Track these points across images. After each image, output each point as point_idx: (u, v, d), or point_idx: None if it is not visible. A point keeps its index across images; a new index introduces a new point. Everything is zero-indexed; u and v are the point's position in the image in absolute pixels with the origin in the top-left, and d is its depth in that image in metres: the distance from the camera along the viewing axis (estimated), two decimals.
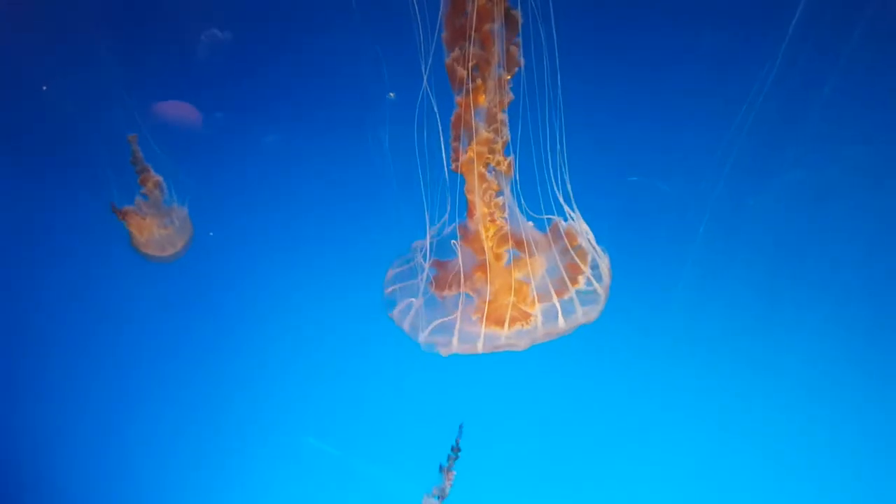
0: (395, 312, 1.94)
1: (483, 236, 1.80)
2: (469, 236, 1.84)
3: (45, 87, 3.74)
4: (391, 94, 3.17)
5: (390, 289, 1.93)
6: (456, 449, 3.15)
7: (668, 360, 4.13)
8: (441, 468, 3.16)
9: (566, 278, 1.85)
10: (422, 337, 1.85)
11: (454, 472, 3.17)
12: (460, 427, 3.16)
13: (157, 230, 3.49)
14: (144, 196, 3.45)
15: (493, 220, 1.80)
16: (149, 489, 5.06)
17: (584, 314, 1.85)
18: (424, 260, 1.86)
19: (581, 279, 1.87)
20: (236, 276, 4.49)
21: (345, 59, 3.60)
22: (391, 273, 1.95)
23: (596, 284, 1.88)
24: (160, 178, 3.46)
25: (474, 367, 4.23)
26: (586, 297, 1.86)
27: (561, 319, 1.83)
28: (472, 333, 1.82)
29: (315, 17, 3.64)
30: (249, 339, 4.67)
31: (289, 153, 4.07)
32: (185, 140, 3.84)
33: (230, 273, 4.45)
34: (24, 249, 4.52)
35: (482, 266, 1.82)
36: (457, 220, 1.90)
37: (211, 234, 3.95)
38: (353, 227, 4.21)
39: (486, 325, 1.81)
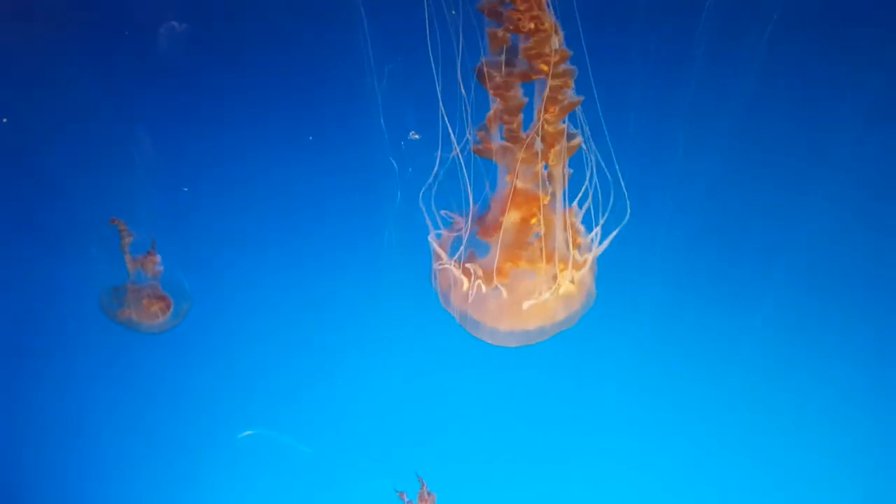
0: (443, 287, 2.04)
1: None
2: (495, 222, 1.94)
3: (4, 120, 3.64)
4: (414, 135, 3.07)
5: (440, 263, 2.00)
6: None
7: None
8: None
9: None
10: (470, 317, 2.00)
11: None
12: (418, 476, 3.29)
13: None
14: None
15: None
16: (124, 487, 5.05)
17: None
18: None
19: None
20: (218, 279, 4.48)
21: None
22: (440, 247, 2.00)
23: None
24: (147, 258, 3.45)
25: (452, 365, 4.38)
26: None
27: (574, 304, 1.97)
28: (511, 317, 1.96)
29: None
30: (229, 338, 4.67)
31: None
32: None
33: (212, 275, 4.44)
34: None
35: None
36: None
37: (186, 189, 3.91)
38: (347, 225, 4.22)
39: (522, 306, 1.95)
